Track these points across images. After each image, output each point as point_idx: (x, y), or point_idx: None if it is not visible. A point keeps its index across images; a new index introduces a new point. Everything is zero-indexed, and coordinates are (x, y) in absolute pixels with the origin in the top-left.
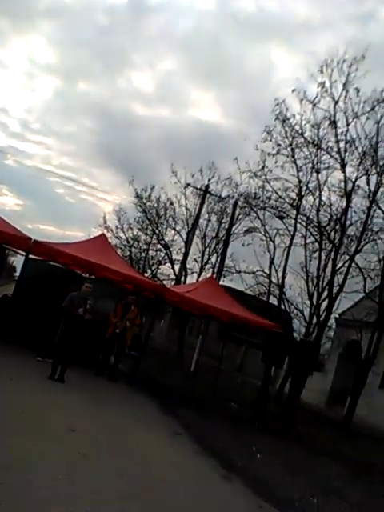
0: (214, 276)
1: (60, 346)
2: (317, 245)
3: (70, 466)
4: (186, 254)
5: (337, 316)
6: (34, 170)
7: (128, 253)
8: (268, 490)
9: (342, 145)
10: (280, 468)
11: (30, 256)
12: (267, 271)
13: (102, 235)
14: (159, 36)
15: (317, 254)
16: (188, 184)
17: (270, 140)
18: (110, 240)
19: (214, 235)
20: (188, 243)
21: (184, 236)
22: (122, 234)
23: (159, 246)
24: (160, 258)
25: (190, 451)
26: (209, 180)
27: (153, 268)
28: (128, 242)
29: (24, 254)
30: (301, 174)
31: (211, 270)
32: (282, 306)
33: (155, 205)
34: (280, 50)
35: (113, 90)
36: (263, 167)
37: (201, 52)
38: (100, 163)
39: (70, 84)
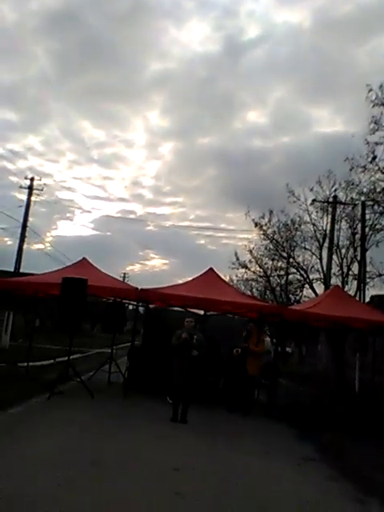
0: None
1: (176, 386)
2: None
3: (160, 506)
4: (326, 270)
5: None
6: (173, 228)
7: (267, 284)
8: None
9: None
10: None
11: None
12: None
13: (210, 269)
14: (262, 68)
15: None
16: (314, 200)
17: (377, 130)
18: (245, 276)
19: (348, 243)
20: (322, 259)
21: (317, 253)
22: (256, 267)
23: (292, 270)
24: (301, 282)
25: (321, 477)
26: (335, 190)
27: (297, 293)
28: (265, 273)
29: (135, 303)
30: None
31: (355, 281)
32: None
33: (276, 229)
34: None
35: (228, 132)
36: (374, 158)
37: (307, 69)
38: (232, 206)
39: (187, 142)
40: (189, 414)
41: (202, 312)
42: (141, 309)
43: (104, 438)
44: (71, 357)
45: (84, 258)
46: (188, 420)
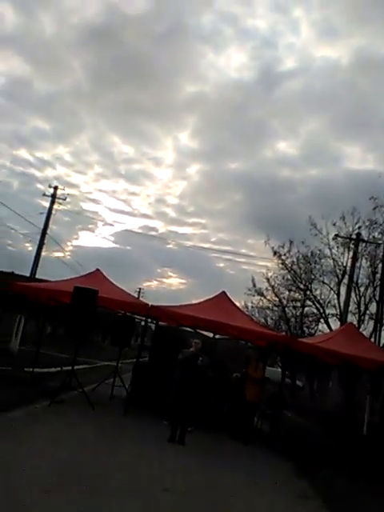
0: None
1: (174, 407)
2: None
3: None
4: (343, 307)
5: None
6: (193, 249)
7: (282, 314)
8: None
9: None
10: None
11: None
12: None
13: (223, 293)
14: (296, 100)
15: None
16: (337, 235)
17: None
18: (261, 303)
19: (368, 282)
20: (340, 295)
21: (335, 289)
22: (272, 296)
23: (309, 302)
24: (317, 316)
25: None
26: (359, 227)
27: (312, 326)
28: (281, 302)
29: (143, 319)
30: None
31: (372, 321)
32: None
33: (295, 260)
34: None
35: (257, 160)
36: None
37: (341, 105)
38: (254, 232)
39: (215, 165)
40: (189, 437)
41: (211, 334)
42: (152, 325)
43: (97, 451)
44: (77, 367)
45: (97, 269)
46: (186, 442)
